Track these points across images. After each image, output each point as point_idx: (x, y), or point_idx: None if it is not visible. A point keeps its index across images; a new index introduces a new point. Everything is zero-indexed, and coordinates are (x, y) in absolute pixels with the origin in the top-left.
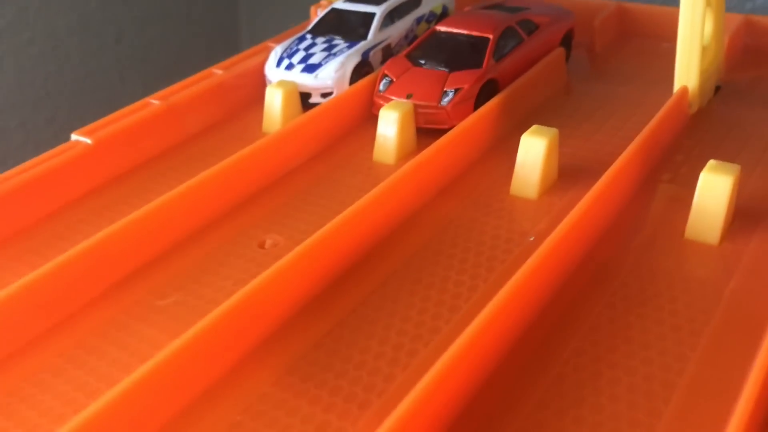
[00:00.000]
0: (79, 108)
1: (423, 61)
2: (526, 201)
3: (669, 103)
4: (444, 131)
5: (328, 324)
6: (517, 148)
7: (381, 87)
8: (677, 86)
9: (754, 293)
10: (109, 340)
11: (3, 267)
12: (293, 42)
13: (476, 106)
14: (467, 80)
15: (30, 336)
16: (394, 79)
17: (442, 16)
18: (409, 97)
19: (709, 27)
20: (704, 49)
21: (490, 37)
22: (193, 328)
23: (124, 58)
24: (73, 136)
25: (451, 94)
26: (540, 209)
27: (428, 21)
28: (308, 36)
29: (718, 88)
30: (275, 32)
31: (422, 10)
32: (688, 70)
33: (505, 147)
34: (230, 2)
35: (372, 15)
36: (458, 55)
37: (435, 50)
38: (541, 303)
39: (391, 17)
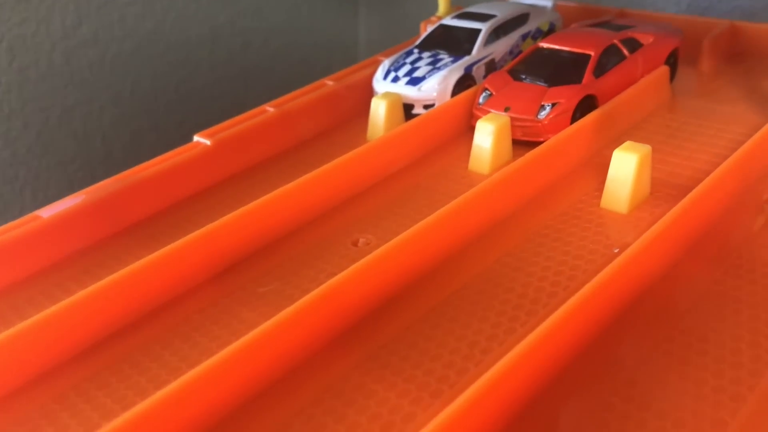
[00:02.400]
0: (207, 111)
1: (524, 76)
2: (615, 215)
3: None
4: (540, 144)
5: (410, 318)
6: None
7: (480, 100)
8: None
9: None
10: (212, 320)
11: (126, 251)
12: (401, 56)
13: (573, 121)
14: (565, 95)
15: (144, 312)
16: (494, 93)
17: (549, 32)
18: (507, 110)
19: None
20: None
21: (592, 53)
22: (284, 311)
23: (250, 67)
24: (195, 138)
25: (548, 108)
26: (629, 223)
27: (534, 37)
28: (415, 50)
29: None
30: (390, 44)
31: (529, 26)
32: None
33: (600, 161)
34: (350, 16)
35: (478, 31)
36: (559, 70)
37: (536, 66)
38: (615, 311)
39: (496, 33)
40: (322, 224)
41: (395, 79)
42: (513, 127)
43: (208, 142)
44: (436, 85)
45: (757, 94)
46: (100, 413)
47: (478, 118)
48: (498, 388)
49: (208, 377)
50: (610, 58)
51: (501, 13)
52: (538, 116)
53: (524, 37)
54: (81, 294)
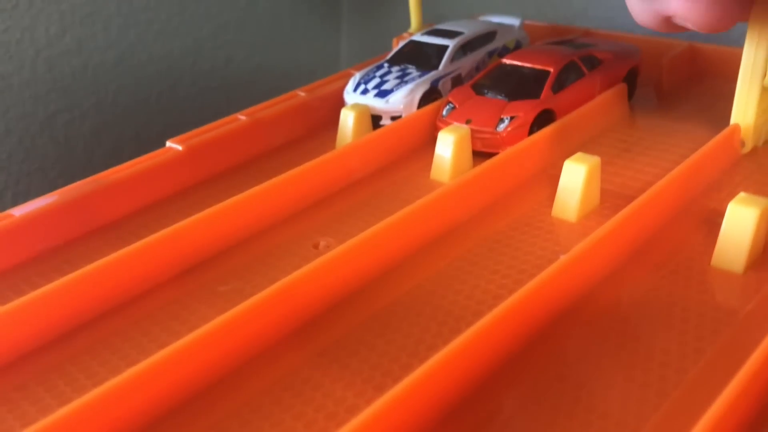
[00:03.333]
0: (188, 122)
1: (486, 91)
2: (565, 223)
3: (716, 139)
4: None
5: (363, 316)
6: None
7: (444, 112)
8: (732, 124)
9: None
10: (172, 316)
11: (95, 250)
12: (371, 69)
13: (531, 134)
14: (523, 109)
15: (109, 306)
16: (457, 106)
17: (515, 50)
18: (468, 122)
19: None
20: (766, 90)
21: (551, 70)
22: (238, 306)
23: (232, 80)
24: (168, 143)
25: (506, 121)
26: (577, 231)
27: (500, 55)
28: (385, 65)
29: None
30: (372, 59)
31: (496, 44)
32: (744, 109)
33: (555, 172)
34: (333, 31)
35: (445, 47)
36: (519, 86)
37: (498, 81)
38: (555, 311)
39: (464, 50)
40: (285, 227)
41: (364, 92)
42: (473, 138)
43: (180, 147)
44: (402, 98)
45: (711, 112)
46: (58, 401)
47: (440, 129)
48: (435, 378)
49: (165, 365)
50: (569, 75)
51: (469, 31)
52: (497, 129)
53: (490, 54)
54: (45, 288)
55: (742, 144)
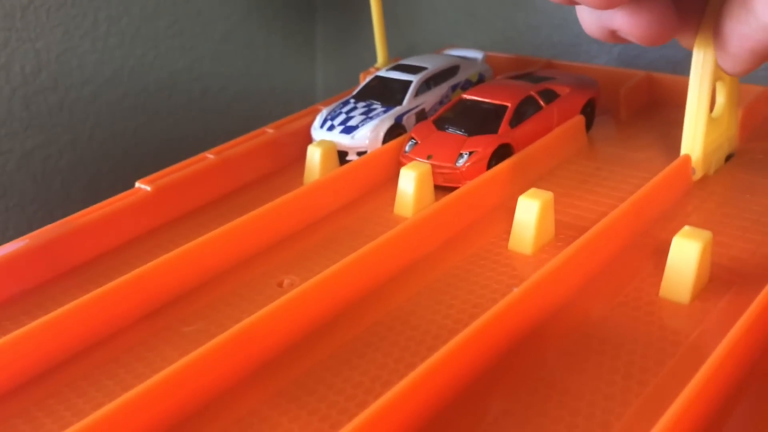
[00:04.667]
0: (164, 155)
1: (447, 126)
2: (521, 256)
3: (667, 170)
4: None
5: (323, 354)
6: None
7: (407, 148)
8: (682, 155)
9: (712, 346)
10: (137, 358)
11: (64, 293)
12: (337, 105)
13: (490, 168)
14: (482, 144)
15: (76, 349)
16: (419, 142)
17: (478, 83)
18: (429, 158)
19: (721, 99)
20: (714, 120)
21: (509, 105)
22: (201, 348)
23: (208, 112)
24: (137, 184)
25: (465, 157)
26: (532, 264)
27: (463, 88)
28: (351, 100)
29: (730, 156)
30: (347, 88)
31: (459, 78)
32: (693, 140)
33: (514, 205)
34: (308, 61)
35: (409, 83)
36: (478, 121)
37: (458, 116)
38: (507, 343)
39: (427, 84)
40: (250, 266)
41: (331, 128)
42: (435, 174)
43: (148, 188)
44: (368, 134)
45: (667, 141)
46: None
47: (403, 165)
48: (389, 415)
49: (128, 409)
50: (526, 109)
51: (432, 66)
52: (457, 164)
53: (454, 88)
54: (13, 334)
55: (694, 172)
